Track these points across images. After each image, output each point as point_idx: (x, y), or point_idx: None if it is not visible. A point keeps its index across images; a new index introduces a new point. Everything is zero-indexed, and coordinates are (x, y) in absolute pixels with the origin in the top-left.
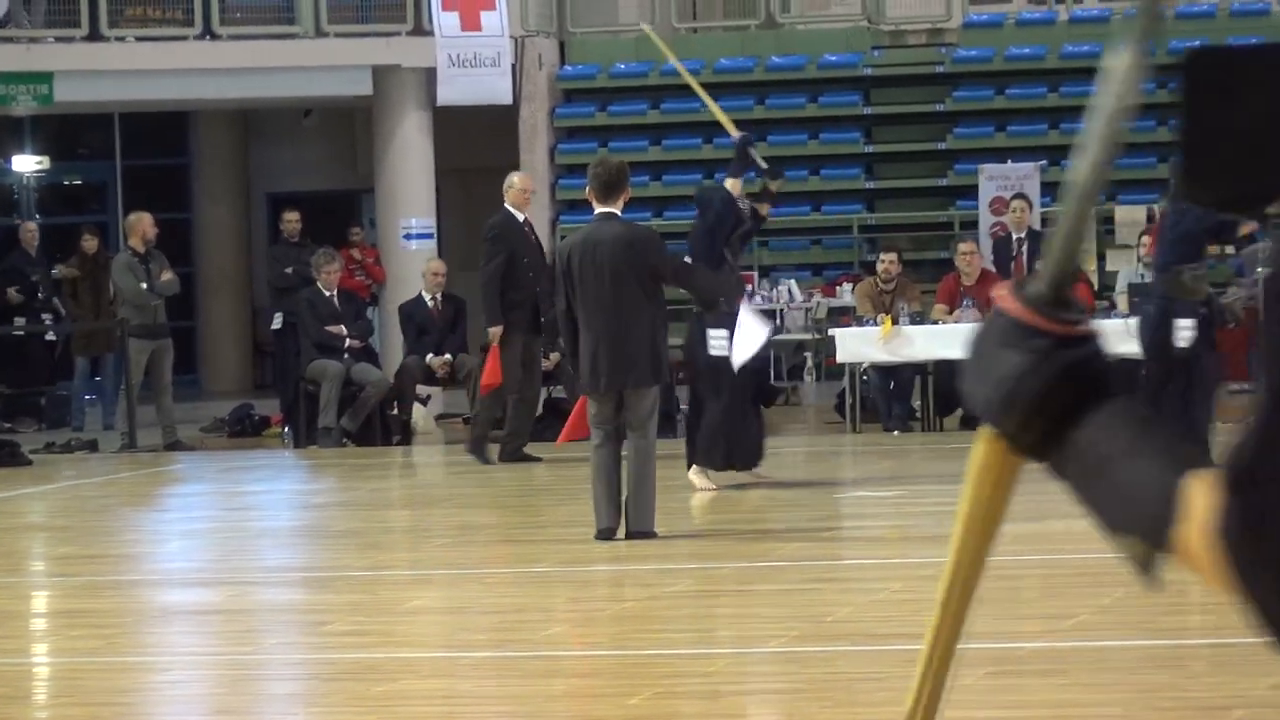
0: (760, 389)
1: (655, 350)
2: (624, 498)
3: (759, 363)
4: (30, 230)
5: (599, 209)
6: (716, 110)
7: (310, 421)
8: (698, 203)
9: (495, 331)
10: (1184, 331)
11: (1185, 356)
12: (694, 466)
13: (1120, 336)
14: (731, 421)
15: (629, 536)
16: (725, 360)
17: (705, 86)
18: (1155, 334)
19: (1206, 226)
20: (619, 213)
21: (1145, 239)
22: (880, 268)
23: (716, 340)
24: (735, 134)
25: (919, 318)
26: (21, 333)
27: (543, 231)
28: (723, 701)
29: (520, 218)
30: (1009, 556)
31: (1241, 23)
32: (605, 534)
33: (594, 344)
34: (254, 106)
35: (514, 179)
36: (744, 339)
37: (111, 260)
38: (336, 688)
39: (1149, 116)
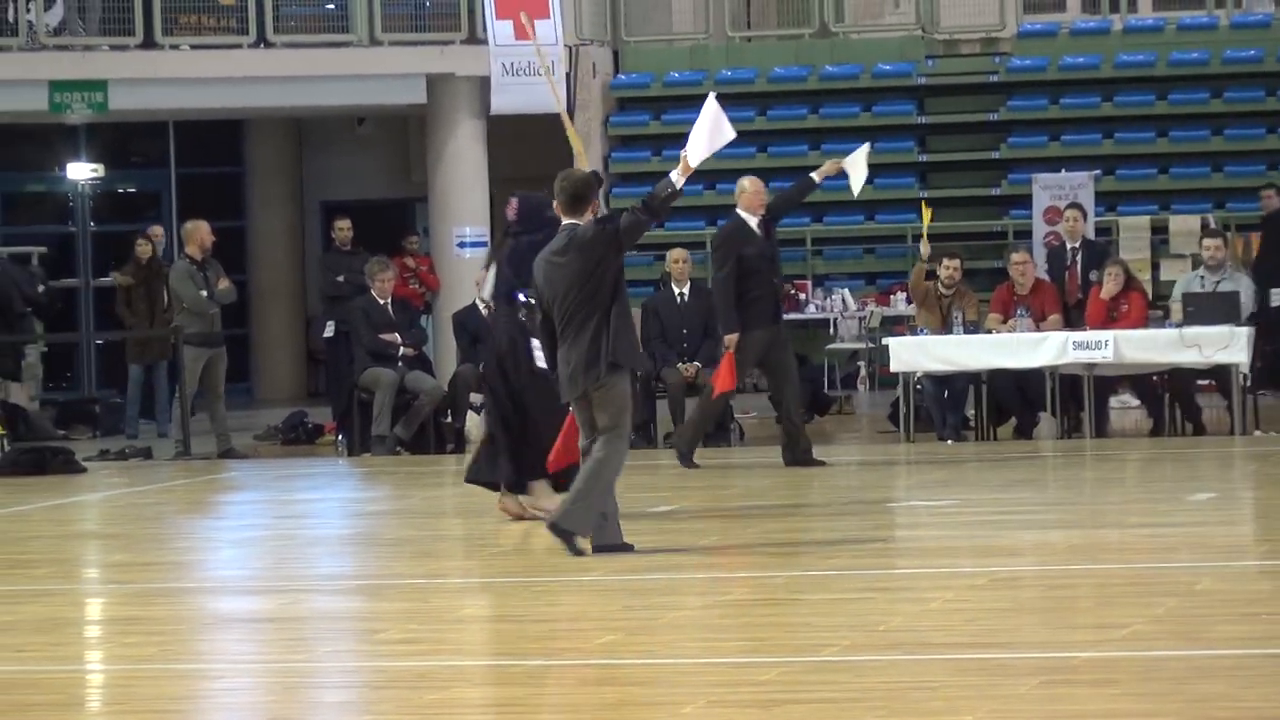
0: (814, 397)
1: (609, 346)
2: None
3: (813, 371)
4: (156, 234)
5: (566, 221)
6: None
7: (364, 430)
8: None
9: (730, 339)
10: None
11: None
12: (536, 484)
13: (1174, 345)
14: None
15: (551, 529)
16: (548, 372)
17: (759, 95)
18: None
19: None
20: (580, 224)
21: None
22: (943, 273)
23: (539, 351)
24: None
25: (974, 327)
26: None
27: None
28: (776, 710)
29: (753, 220)
30: (1061, 566)
31: (1242, 35)
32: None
33: (564, 350)
34: (308, 115)
35: (744, 183)
36: (710, 131)
37: (167, 268)
38: (389, 695)
39: (1203, 126)
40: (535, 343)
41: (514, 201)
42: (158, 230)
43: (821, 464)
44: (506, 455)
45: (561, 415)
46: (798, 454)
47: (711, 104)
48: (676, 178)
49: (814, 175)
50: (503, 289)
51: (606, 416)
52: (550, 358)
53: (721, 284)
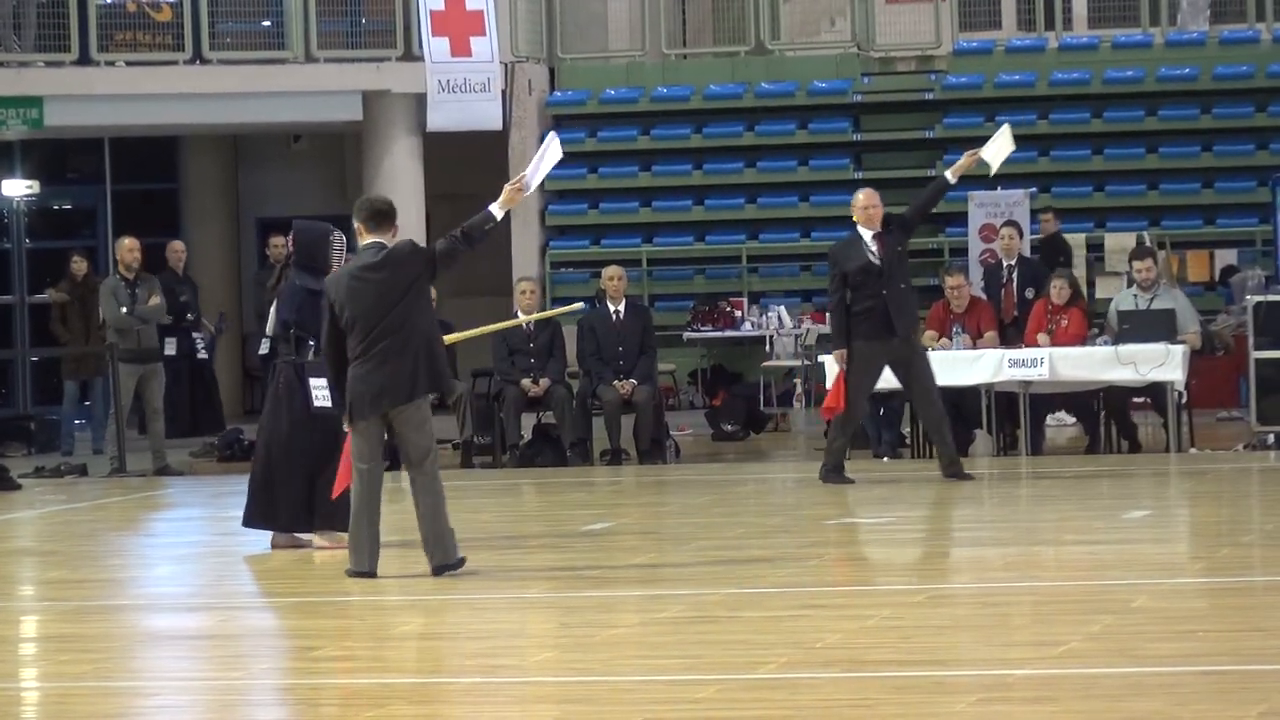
0: (750, 414)
1: (427, 367)
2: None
3: (749, 388)
4: (178, 250)
5: (366, 240)
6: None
7: None
8: None
9: (837, 355)
10: None
11: None
12: (322, 531)
13: (1110, 363)
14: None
15: (435, 573)
16: (329, 411)
17: (694, 113)
18: None
19: None
20: (387, 244)
21: (1137, 264)
22: None
23: (319, 390)
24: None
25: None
26: (173, 353)
27: (532, 258)
28: None
29: (868, 234)
30: (997, 584)
31: (1177, 52)
32: (359, 575)
33: (361, 372)
34: (243, 131)
35: (857, 197)
36: (545, 160)
37: (100, 284)
38: (324, 713)
39: (1138, 143)
40: (314, 382)
41: (292, 232)
42: (81, 264)
43: (969, 478)
44: (282, 498)
45: (337, 455)
46: (945, 467)
47: (550, 144)
48: (497, 211)
49: (948, 174)
50: (279, 329)
51: (419, 439)
52: (337, 379)
53: (828, 302)
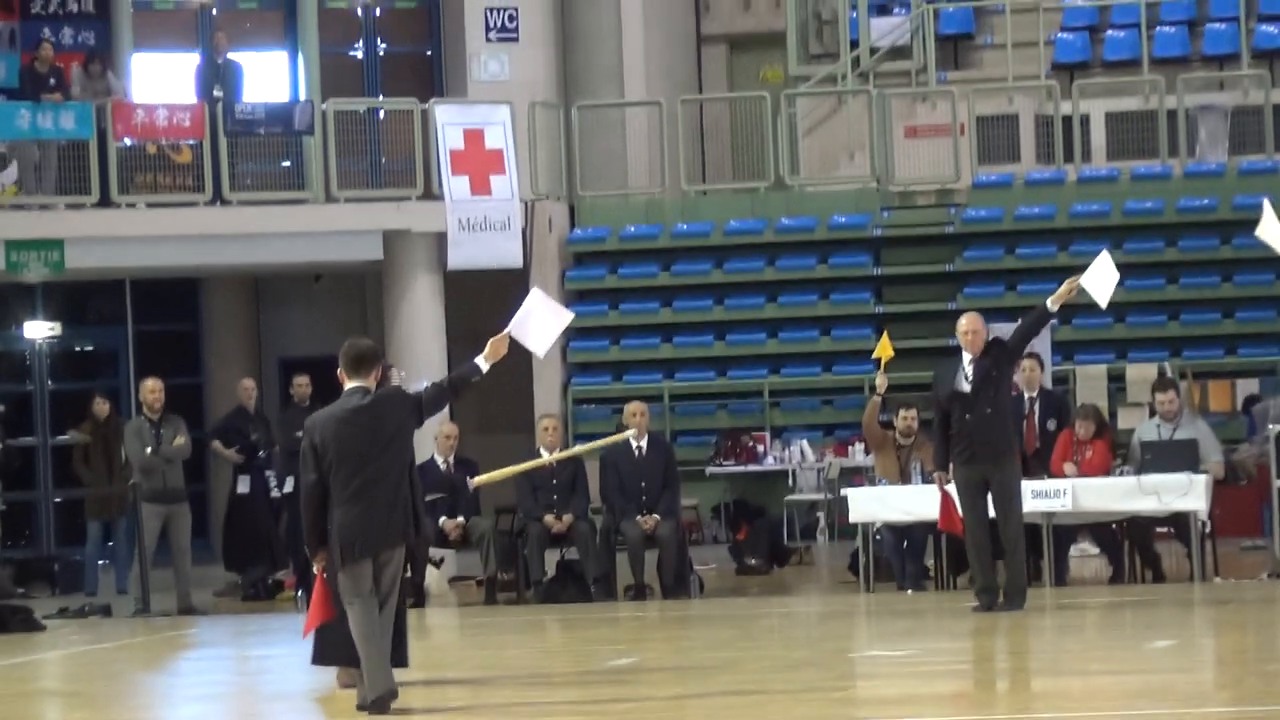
0: (774, 548)
1: (408, 511)
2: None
3: (772, 521)
4: (248, 388)
5: (349, 385)
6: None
7: None
8: None
9: (939, 476)
10: None
11: None
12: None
13: (1133, 493)
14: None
15: (369, 707)
16: None
17: (715, 249)
18: None
19: None
20: (370, 388)
21: (1160, 396)
22: (900, 423)
23: None
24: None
25: (932, 477)
26: (246, 490)
27: (554, 394)
28: None
29: (966, 358)
30: (1025, 714)
31: (1195, 183)
32: (391, 695)
33: (349, 515)
34: (264, 271)
35: (960, 321)
36: (542, 325)
37: (124, 425)
38: None
39: (1159, 275)
40: None
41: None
42: (103, 405)
43: (1018, 608)
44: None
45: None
46: (1004, 593)
47: (535, 296)
48: (483, 364)
49: (1049, 303)
50: None
51: (393, 578)
52: (314, 521)
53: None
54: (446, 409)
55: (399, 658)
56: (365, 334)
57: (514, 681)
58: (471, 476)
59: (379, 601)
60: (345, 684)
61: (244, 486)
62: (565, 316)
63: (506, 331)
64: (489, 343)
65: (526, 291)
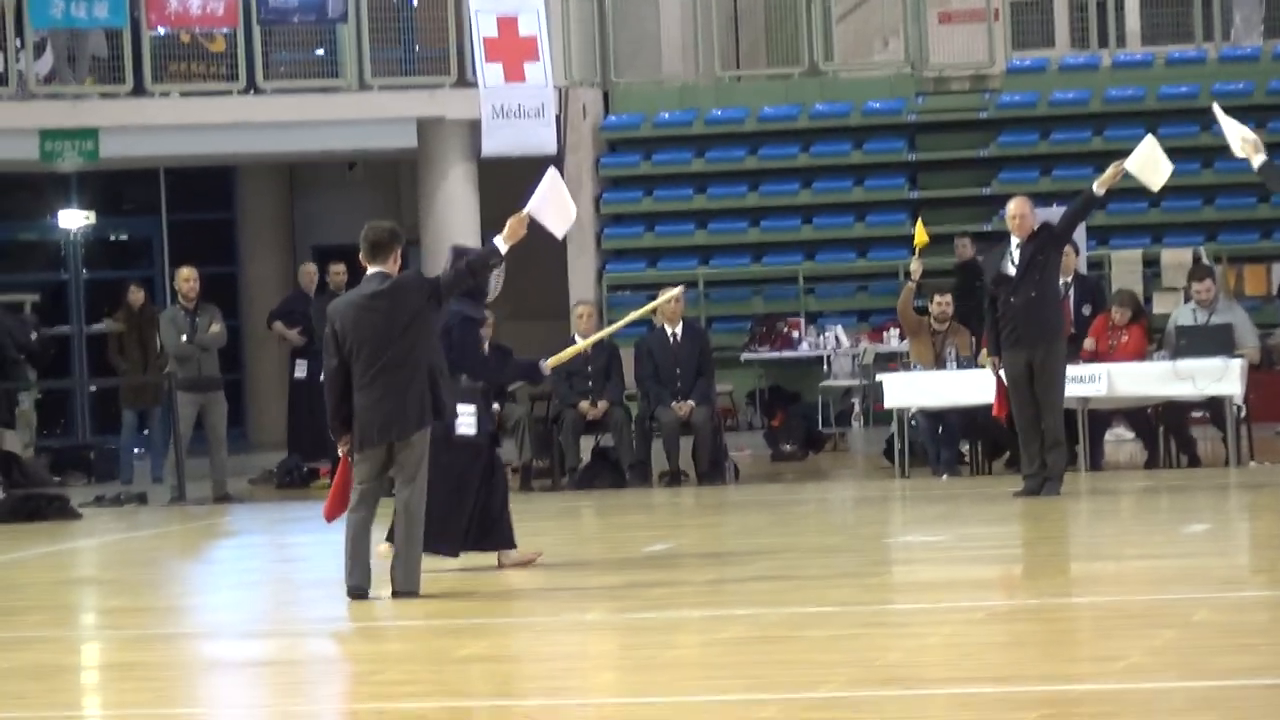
0: (809, 434)
1: (427, 397)
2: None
3: (807, 408)
4: (309, 273)
5: (370, 270)
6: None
7: None
8: None
9: (991, 361)
10: None
11: None
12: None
13: (1168, 378)
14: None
15: (395, 596)
16: (472, 439)
17: (749, 135)
18: None
19: None
20: (391, 273)
21: (1197, 285)
22: (935, 309)
23: (466, 417)
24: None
25: (967, 362)
26: (303, 375)
27: (589, 282)
28: None
29: (1013, 242)
30: (1058, 599)
31: (1231, 68)
32: (355, 592)
33: (368, 400)
34: (298, 160)
35: (1009, 204)
36: (560, 207)
37: (159, 314)
38: None
39: (1194, 159)
40: (462, 409)
41: (451, 255)
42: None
43: (1053, 493)
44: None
45: (481, 481)
46: (1042, 479)
47: (551, 176)
48: (502, 245)
49: (1095, 186)
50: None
51: (411, 467)
52: (337, 406)
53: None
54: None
55: (501, 540)
56: (400, 222)
57: (549, 569)
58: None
59: (405, 486)
60: (505, 564)
61: (301, 372)
62: (572, 210)
63: (525, 211)
64: (508, 223)
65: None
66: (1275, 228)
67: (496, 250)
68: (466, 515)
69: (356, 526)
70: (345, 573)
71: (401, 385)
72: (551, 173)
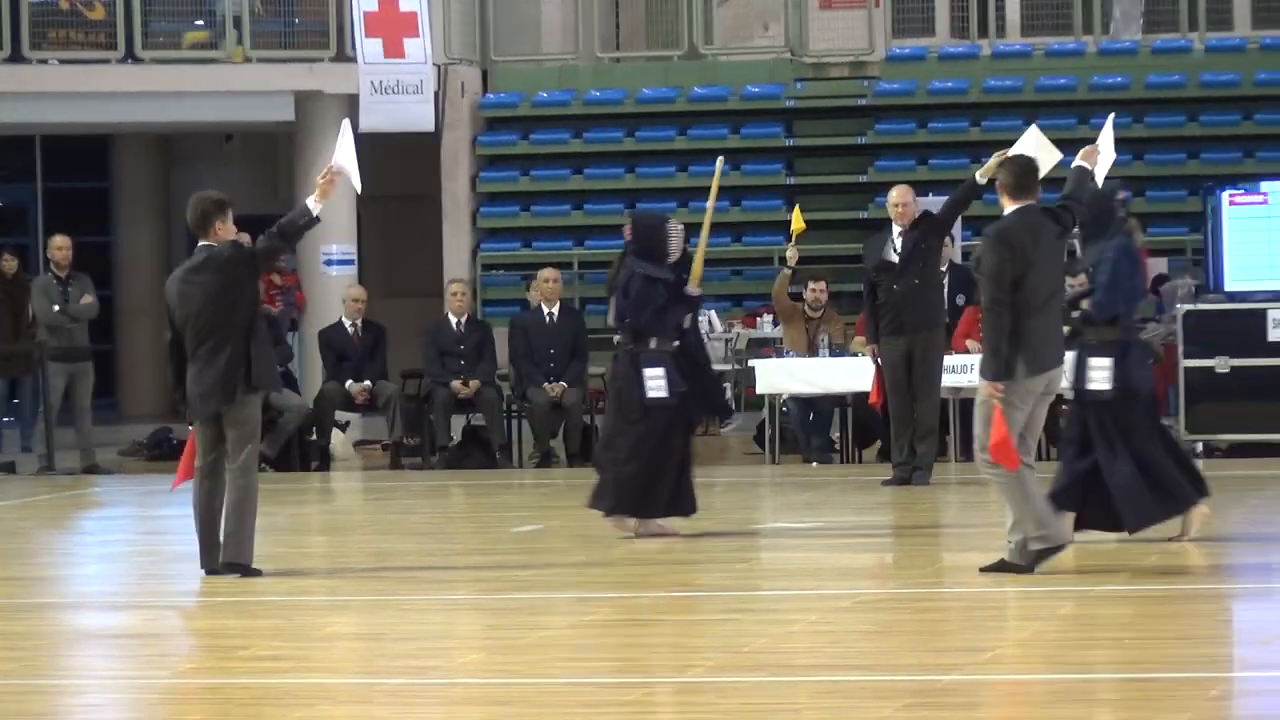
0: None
1: (247, 367)
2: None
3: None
4: (9, 265)
5: (201, 243)
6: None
7: None
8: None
9: (869, 349)
10: None
11: None
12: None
13: None
14: (665, 468)
15: (221, 570)
16: (664, 401)
17: (627, 116)
18: None
19: None
20: (214, 244)
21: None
22: (809, 295)
23: (654, 380)
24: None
25: (839, 350)
26: None
27: (464, 260)
28: None
29: (895, 230)
30: (926, 589)
31: (1108, 61)
32: (210, 572)
33: (192, 372)
34: (176, 130)
35: (890, 193)
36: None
37: (31, 282)
38: (252, 712)
39: (1070, 151)
40: (649, 372)
41: (630, 221)
42: (11, 262)
43: (923, 484)
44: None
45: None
46: (912, 469)
47: (346, 128)
48: (313, 205)
49: (977, 175)
50: (617, 319)
51: (240, 437)
52: (177, 377)
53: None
54: (354, 270)
55: (682, 506)
56: (275, 195)
57: (417, 548)
58: (378, 340)
59: (233, 459)
60: (640, 533)
61: None
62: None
63: (333, 165)
64: (318, 183)
65: (437, 155)
66: (1151, 222)
67: (307, 210)
68: (671, 479)
69: (200, 505)
70: (201, 558)
71: (219, 356)
72: (346, 125)
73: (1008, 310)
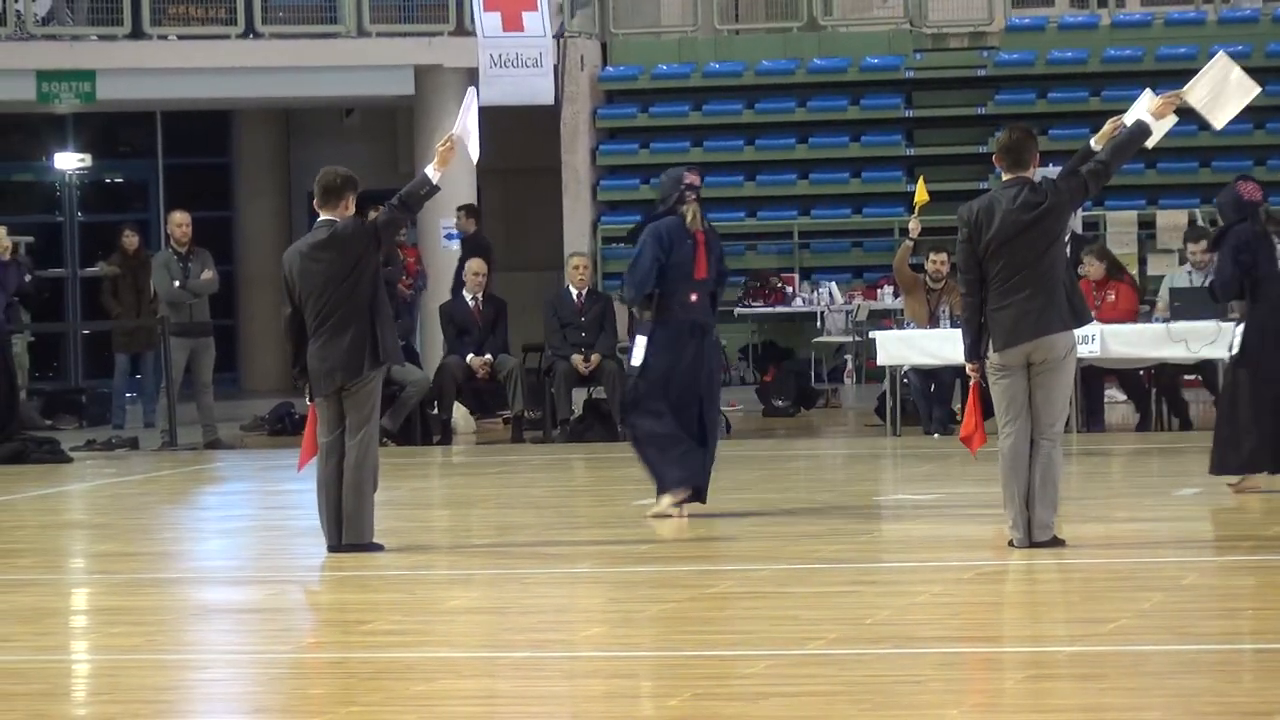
0: (801, 390)
1: (373, 342)
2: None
3: (800, 364)
4: (131, 242)
5: (323, 217)
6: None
7: None
8: None
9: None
10: None
11: None
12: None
13: (1161, 340)
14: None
15: (344, 549)
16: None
17: (746, 89)
18: None
19: None
20: (339, 220)
21: (1191, 245)
22: (930, 267)
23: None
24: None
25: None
26: None
27: (584, 233)
28: (762, 704)
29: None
30: (1047, 561)
31: (1230, 30)
32: (333, 550)
33: (314, 347)
34: (296, 105)
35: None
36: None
37: (152, 258)
38: (374, 686)
39: (1190, 121)
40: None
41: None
42: (132, 238)
43: None
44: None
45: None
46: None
47: (470, 97)
48: (433, 174)
49: (1092, 143)
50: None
51: (361, 413)
52: (296, 353)
53: None
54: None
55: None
56: (395, 170)
57: (539, 521)
58: (499, 314)
59: (352, 435)
60: (1240, 489)
61: None
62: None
63: (453, 134)
64: (437, 150)
65: (557, 128)
66: (1272, 192)
67: (427, 179)
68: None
69: (324, 483)
70: (327, 530)
71: (345, 332)
72: (471, 92)
73: (974, 290)
